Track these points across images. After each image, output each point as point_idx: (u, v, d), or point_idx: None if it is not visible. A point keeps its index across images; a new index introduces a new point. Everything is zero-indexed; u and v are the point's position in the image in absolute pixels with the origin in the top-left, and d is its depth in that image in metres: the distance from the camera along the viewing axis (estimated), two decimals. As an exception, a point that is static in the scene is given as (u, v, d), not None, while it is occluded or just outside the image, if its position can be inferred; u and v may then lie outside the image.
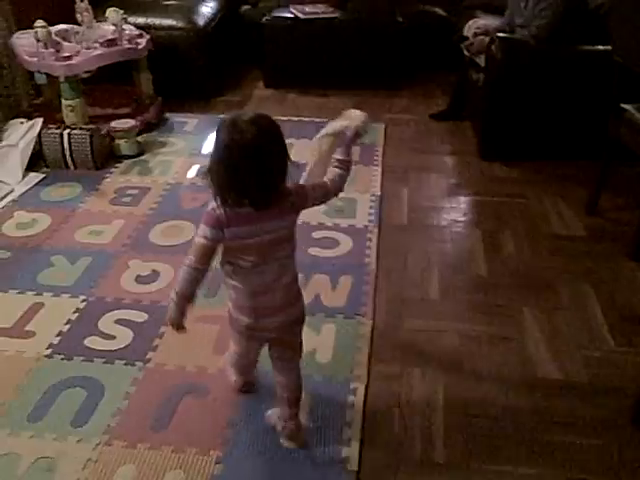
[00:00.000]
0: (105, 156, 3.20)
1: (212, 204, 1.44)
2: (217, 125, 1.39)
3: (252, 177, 1.37)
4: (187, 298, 1.52)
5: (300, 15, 4.11)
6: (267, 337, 1.63)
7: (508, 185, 3.08)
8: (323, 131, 1.67)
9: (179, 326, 1.56)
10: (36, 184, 3.01)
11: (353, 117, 1.63)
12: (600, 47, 3.00)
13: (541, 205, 2.91)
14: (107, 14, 3.42)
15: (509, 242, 2.63)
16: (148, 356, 1.98)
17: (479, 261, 2.51)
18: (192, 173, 3.12)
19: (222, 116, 1.44)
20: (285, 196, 1.48)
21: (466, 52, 3.54)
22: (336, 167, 1.61)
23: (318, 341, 2.05)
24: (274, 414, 1.75)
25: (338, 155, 1.62)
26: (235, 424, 1.76)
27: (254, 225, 1.45)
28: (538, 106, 3.18)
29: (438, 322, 2.18)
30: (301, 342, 1.69)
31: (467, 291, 2.34)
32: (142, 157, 3.28)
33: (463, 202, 2.97)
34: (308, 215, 2.74)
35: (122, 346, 2.02)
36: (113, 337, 2.06)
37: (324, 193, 1.59)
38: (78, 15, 3.42)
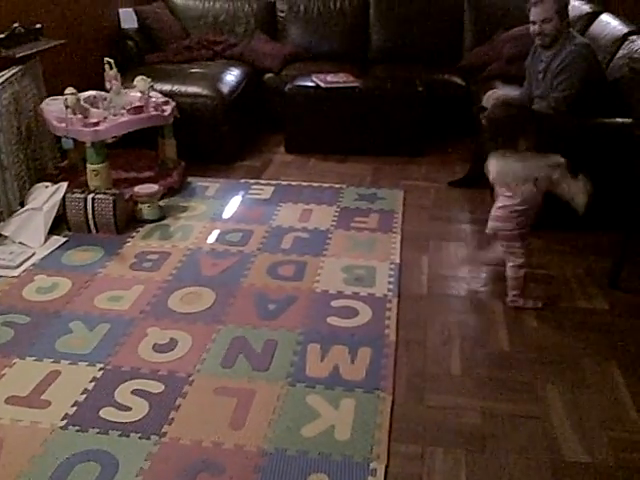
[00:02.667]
0: (127, 220, 3.24)
1: None
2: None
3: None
4: None
5: (321, 84, 4.21)
6: None
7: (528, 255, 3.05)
8: None
9: None
10: (58, 248, 3.04)
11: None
12: (619, 120, 3.02)
13: (563, 276, 2.87)
14: (135, 82, 3.52)
15: (531, 315, 2.59)
16: (164, 429, 1.95)
17: (501, 334, 2.47)
18: (212, 238, 3.14)
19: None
20: None
21: (485, 122, 3.57)
22: None
23: (337, 417, 2.01)
24: None
25: None
26: (251, 505, 1.71)
27: None
28: (558, 176, 3.18)
29: (460, 399, 2.13)
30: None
31: (489, 366, 2.29)
32: (163, 221, 3.32)
33: (483, 272, 2.95)
34: (326, 283, 2.75)
35: (138, 418, 1.99)
36: (129, 408, 2.03)
37: None
38: (107, 82, 3.53)
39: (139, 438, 1.92)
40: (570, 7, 3.22)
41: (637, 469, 1.86)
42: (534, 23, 3.19)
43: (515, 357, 2.34)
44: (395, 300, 2.66)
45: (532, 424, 2.02)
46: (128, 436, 1.92)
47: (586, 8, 4.19)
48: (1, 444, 1.89)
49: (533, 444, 1.95)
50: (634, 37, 3.38)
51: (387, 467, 1.84)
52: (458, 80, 4.50)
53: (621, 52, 3.39)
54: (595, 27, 3.89)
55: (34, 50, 3.45)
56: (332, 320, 2.51)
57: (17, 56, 3.31)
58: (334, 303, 2.63)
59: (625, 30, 3.51)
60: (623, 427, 2.02)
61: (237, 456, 1.85)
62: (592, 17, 4.02)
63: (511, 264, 2.61)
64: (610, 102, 3.14)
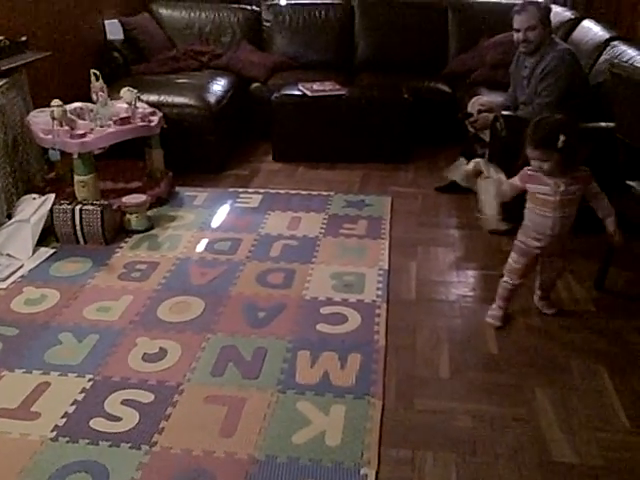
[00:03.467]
0: (115, 231, 3.24)
1: None
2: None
3: None
4: None
5: (308, 92, 4.23)
6: None
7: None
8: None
9: None
10: (46, 259, 3.03)
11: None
12: (602, 124, 3.06)
13: (550, 279, 2.90)
14: (122, 93, 3.53)
15: (518, 318, 2.61)
16: (154, 439, 1.94)
17: (489, 338, 2.49)
18: (201, 247, 3.15)
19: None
20: None
21: (471, 128, 3.61)
22: None
23: (327, 423, 2.01)
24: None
25: None
26: (242, 513, 1.71)
27: None
28: (543, 181, 3.21)
29: (449, 402, 2.14)
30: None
31: (478, 370, 2.31)
32: (152, 231, 3.32)
33: (471, 276, 2.96)
34: (316, 290, 2.76)
35: (128, 428, 1.98)
36: (119, 418, 2.03)
37: None
38: (93, 94, 3.53)
39: (130, 448, 1.91)
40: (552, 14, 3.27)
41: (626, 470, 1.88)
42: (518, 31, 3.23)
43: (503, 360, 2.35)
44: (384, 306, 2.67)
45: (521, 427, 2.04)
46: (119, 446, 1.92)
47: (568, 14, 4.25)
48: (-10, 457, 1.89)
49: (522, 446, 1.96)
50: (616, 42, 3.43)
51: (378, 472, 1.85)
52: (443, 87, 4.54)
53: (603, 57, 3.44)
54: (577, 33, 3.95)
55: (20, 63, 3.44)
56: (321, 327, 2.52)
57: (2, 69, 3.31)
58: (323, 310, 2.64)
59: (607, 36, 3.56)
60: (611, 428, 2.03)
61: (228, 464, 1.85)
62: (574, 23, 4.08)
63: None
64: (593, 106, 3.18)
